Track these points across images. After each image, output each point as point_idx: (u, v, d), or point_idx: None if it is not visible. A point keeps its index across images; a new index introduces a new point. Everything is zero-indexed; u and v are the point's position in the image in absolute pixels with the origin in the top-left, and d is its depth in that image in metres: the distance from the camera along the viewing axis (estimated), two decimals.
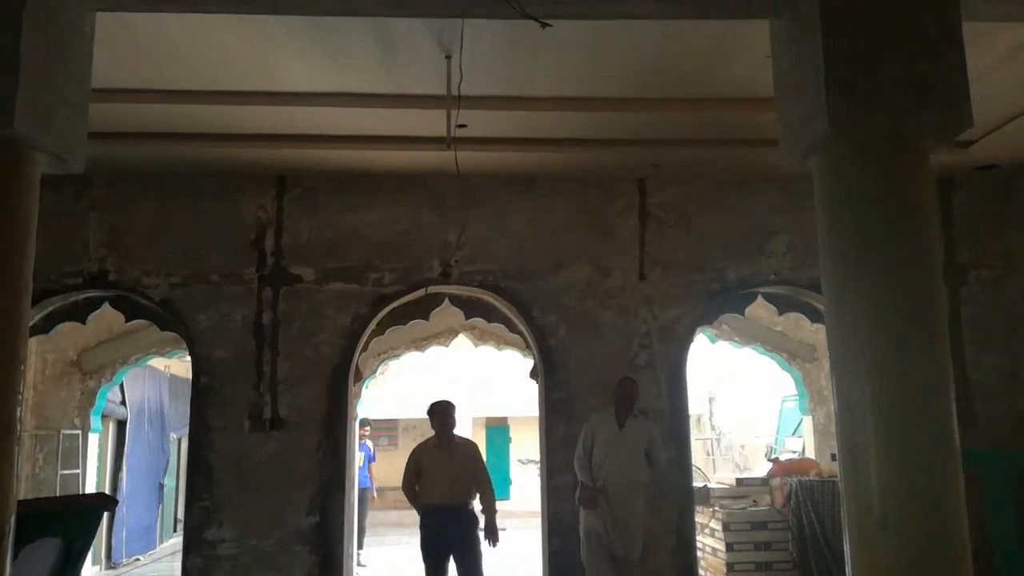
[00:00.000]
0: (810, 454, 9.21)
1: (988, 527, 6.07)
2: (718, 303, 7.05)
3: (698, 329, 7.25)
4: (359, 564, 9.94)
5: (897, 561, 2.67)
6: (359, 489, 10.66)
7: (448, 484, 6.09)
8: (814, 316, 7.37)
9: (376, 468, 11.97)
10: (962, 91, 3.03)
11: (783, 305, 7.48)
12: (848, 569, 2.84)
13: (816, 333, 8.64)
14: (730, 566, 7.24)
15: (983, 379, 6.80)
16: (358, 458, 10.77)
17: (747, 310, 7.44)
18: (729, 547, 7.28)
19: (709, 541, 7.63)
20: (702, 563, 7.44)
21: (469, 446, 6.43)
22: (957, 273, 7.02)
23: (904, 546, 2.67)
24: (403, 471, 6.22)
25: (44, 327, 6.91)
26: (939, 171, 5.83)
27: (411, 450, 6.35)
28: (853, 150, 3.02)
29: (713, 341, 9.40)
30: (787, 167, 3.41)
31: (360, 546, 10.29)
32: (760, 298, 7.35)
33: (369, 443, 11.44)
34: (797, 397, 9.76)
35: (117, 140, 5.81)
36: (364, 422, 11.21)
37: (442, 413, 6.24)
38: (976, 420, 6.59)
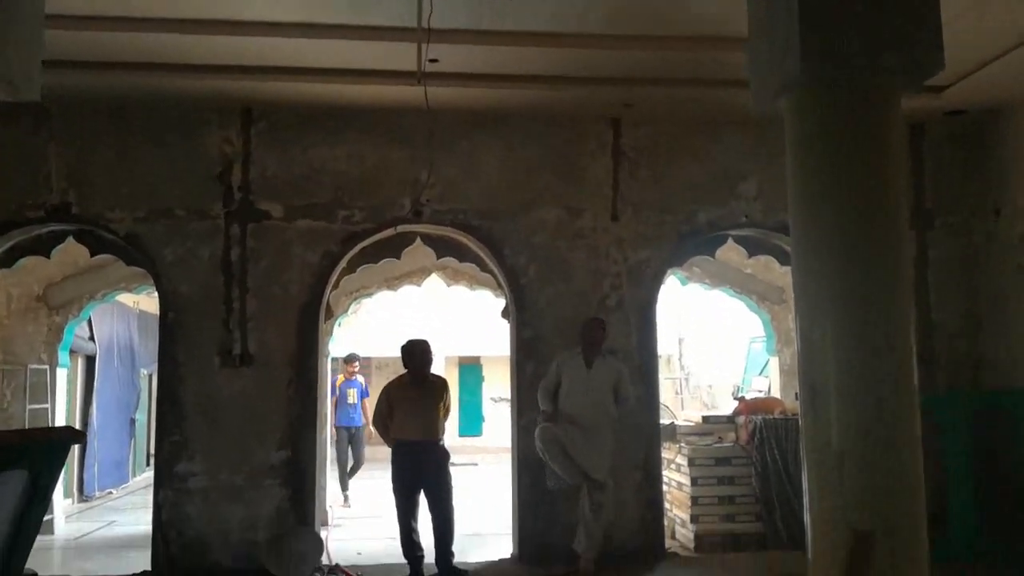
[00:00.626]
0: (776, 394, 9.40)
1: (944, 466, 6.27)
2: (689, 245, 7.09)
3: (668, 271, 7.31)
4: (345, 504, 9.93)
5: (853, 496, 2.76)
6: (353, 428, 10.54)
7: (419, 421, 6.18)
8: (784, 259, 7.44)
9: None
10: (935, 34, 3.02)
11: (753, 248, 7.54)
12: (806, 502, 2.93)
13: (785, 276, 8.72)
14: (695, 499, 7.43)
15: (945, 321, 6.96)
16: (349, 394, 10.67)
17: (718, 252, 7.49)
18: (694, 481, 7.45)
19: (675, 476, 7.82)
20: (667, 496, 7.63)
21: (440, 383, 6.50)
22: (924, 218, 7.12)
23: (860, 482, 2.76)
24: (374, 407, 6.30)
25: (6, 260, 6.79)
26: (909, 116, 5.87)
27: (383, 387, 6.42)
28: (824, 90, 3.01)
29: (684, 283, 9.47)
30: (755, 108, 3.40)
31: (345, 487, 10.21)
32: (731, 240, 7.40)
33: (361, 379, 11.02)
34: (765, 338, 9.91)
35: (75, 69, 5.63)
36: (353, 357, 10.93)
37: (416, 352, 6.28)
38: (938, 361, 6.76)
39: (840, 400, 2.78)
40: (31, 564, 4.24)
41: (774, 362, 9.82)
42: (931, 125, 7.10)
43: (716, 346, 15.29)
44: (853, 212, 2.93)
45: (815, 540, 2.88)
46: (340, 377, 10.86)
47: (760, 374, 11.13)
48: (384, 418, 6.26)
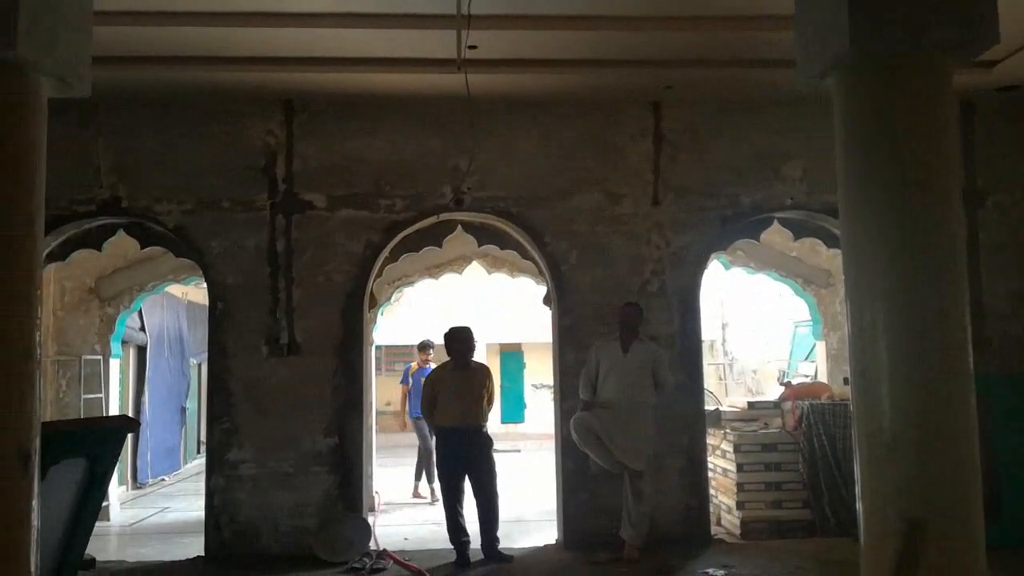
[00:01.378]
0: (822, 379, 9.26)
1: (996, 450, 6.12)
2: (732, 229, 7.00)
3: (712, 255, 7.23)
4: (432, 498, 9.18)
5: (906, 482, 2.70)
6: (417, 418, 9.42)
7: (463, 407, 6.24)
8: (830, 241, 7.31)
9: (394, 392, 11.61)
10: (988, 6, 2.92)
11: (798, 230, 7.41)
12: (857, 489, 2.88)
13: (832, 258, 8.58)
14: (740, 486, 7.36)
15: (997, 304, 6.77)
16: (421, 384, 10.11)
17: (762, 235, 7.37)
18: (739, 468, 7.38)
19: (720, 462, 7.75)
20: (713, 483, 7.58)
21: (483, 370, 6.54)
22: (975, 197, 6.91)
23: (913, 468, 2.71)
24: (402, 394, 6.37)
25: (60, 254, 6.97)
26: (959, 92, 5.69)
27: (427, 376, 6.50)
28: (872, 67, 2.94)
29: (727, 267, 9.36)
30: (801, 87, 3.33)
31: (429, 479, 9.37)
32: (775, 223, 7.28)
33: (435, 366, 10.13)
34: (811, 323, 9.76)
35: (121, 64, 5.74)
36: (427, 345, 9.78)
37: (460, 339, 6.35)
38: (990, 344, 6.59)
39: (892, 385, 2.73)
40: (89, 550, 4.38)
41: (820, 347, 9.66)
42: (982, 101, 6.89)
43: (761, 331, 15.09)
44: (904, 191, 2.86)
45: (867, 528, 2.83)
46: (414, 365, 10.06)
47: (806, 359, 10.97)
48: (429, 405, 6.33)
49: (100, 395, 8.99)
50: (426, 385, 6.42)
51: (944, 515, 2.66)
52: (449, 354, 6.41)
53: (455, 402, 6.26)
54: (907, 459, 2.69)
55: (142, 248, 7.25)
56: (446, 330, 6.48)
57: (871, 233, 2.86)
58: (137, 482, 10.96)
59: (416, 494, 9.65)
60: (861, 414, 2.84)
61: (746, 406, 8.07)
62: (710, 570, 5.75)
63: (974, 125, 6.97)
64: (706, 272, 7.04)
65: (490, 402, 6.43)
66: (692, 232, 6.81)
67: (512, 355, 21.25)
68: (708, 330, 11.00)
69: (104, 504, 7.81)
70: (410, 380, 9.95)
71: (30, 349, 2.72)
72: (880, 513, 2.73)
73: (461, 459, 6.24)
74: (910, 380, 2.72)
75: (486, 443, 6.35)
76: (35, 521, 2.69)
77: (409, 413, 9.95)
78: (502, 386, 19.31)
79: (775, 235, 7.75)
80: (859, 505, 2.87)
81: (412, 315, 16.46)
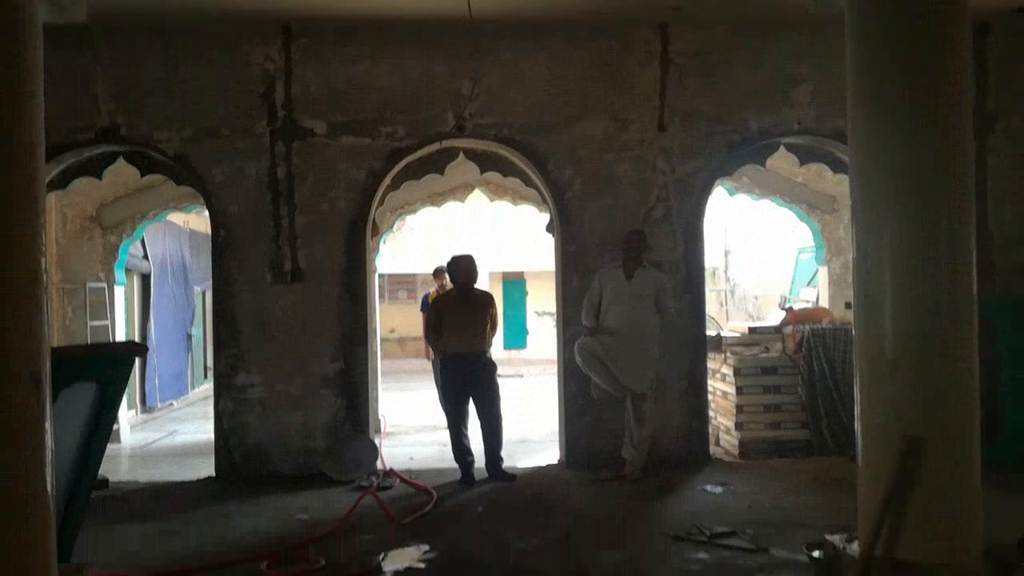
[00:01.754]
0: (824, 304, 9.31)
1: (998, 373, 6.19)
2: (739, 154, 6.93)
3: (717, 181, 7.18)
4: None
5: (905, 403, 2.75)
6: None
7: (467, 334, 6.32)
8: (836, 166, 7.24)
9: (398, 319, 11.77)
10: None
11: (805, 156, 7.34)
12: (857, 409, 2.94)
13: (837, 184, 8.51)
14: (739, 408, 7.49)
15: (1003, 229, 6.75)
16: None
17: (768, 161, 7.31)
18: (739, 390, 7.50)
19: (720, 385, 7.87)
20: (712, 405, 7.71)
21: (486, 297, 6.59)
22: (985, 121, 6.81)
23: (913, 389, 2.75)
24: (422, 320, 6.44)
25: (60, 182, 6.94)
26: (974, 13, 5.55)
27: (431, 303, 6.55)
28: None
29: (732, 193, 9.31)
30: (813, 9, 3.25)
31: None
32: (782, 149, 7.20)
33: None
34: (814, 248, 9.76)
35: None
36: (440, 270, 8.61)
37: (462, 267, 6.39)
38: (994, 269, 6.59)
39: (896, 308, 2.75)
40: (101, 471, 4.50)
41: (823, 272, 9.69)
42: (998, 22, 6.72)
43: (763, 258, 15.11)
44: (914, 114, 2.82)
45: (865, 447, 2.89)
46: (432, 292, 9.37)
47: (808, 284, 11.00)
48: (434, 331, 6.41)
49: (106, 322, 9.08)
50: (429, 312, 6.49)
51: (942, 434, 2.72)
52: (452, 282, 6.46)
53: (458, 329, 6.34)
54: (907, 380, 2.73)
55: (142, 176, 7.21)
56: (448, 259, 6.51)
57: (879, 156, 2.83)
58: (146, 406, 11.16)
59: None
60: (863, 336, 2.87)
61: (747, 331, 8.14)
62: (708, 487, 5.90)
63: (987, 47, 6.82)
64: (711, 198, 7.00)
65: (493, 328, 6.50)
66: (698, 158, 6.75)
67: (515, 283, 21.34)
68: (711, 257, 11.02)
69: (115, 427, 7.98)
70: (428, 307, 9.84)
71: (36, 272, 2.73)
72: (879, 432, 2.79)
73: (465, 383, 6.35)
74: (913, 303, 2.74)
75: (489, 368, 6.44)
76: (49, 442, 2.75)
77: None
78: (505, 313, 19.45)
79: (781, 161, 7.68)
80: (858, 425, 2.92)
81: (415, 244, 16.48)
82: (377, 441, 6.78)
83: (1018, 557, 2.79)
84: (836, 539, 3.05)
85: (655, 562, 4.30)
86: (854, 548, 2.90)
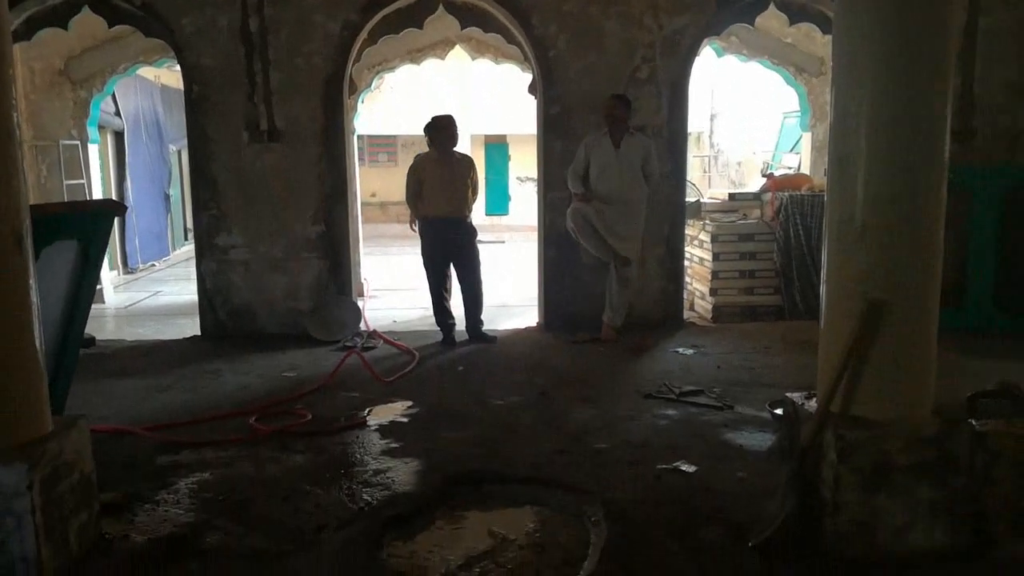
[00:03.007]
0: (806, 171, 9.33)
1: (969, 240, 6.31)
2: (728, 11, 6.70)
3: (705, 41, 6.98)
4: None
5: (871, 267, 2.81)
6: None
7: (447, 198, 6.28)
8: (827, 27, 7.06)
9: (378, 183, 11.74)
10: None
11: (796, 14, 7.13)
12: (823, 272, 3.02)
13: (826, 45, 8.30)
14: (715, 274, 7.65)
15: (988, 94, 6.65)
16: None
17: (757, 20, 7.09)
18: (716, 256, 7.64)
19: (697, 252, 7.99)
20: (689, 271, 7.86)
21: (467, 161, 6.52)
22: None
23: (879, 253, 2.80)
24: (404, 184, 6.39)
25: (24, 33, 6.64)
26: None
27: (410, 164, 6.48)
28: None
29: (720, 54, 9.09)
30: None
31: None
32: (772, 7, 6.97)
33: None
34: (799, 113, 9.66)
35: None
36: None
37: (443, 128, 6.27)
38: (974, 135, 6.57)
39: (869, 170, 2.76)
40: (87, 330, 4.56)
41: (806, 139, 9.64)
42: None
43: (748, 125, 14.93)
44: None
45: (828, 309, 2.98)
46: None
47: (791, 151, 10.97)
48: (413, 195, 6.36)
49: (82, 181, 8.95)
50: (409, 174, 6.41)
51: (903, 298, 2.80)
52: (431, 144, 6.35)
53: (440, 193, 6.29)
54: (875, 244, 2.78)
55: (110, 27, 6.89)
56: (428, 120, 6.38)
57: (863, 13, 2.77)
58: (128, 267, 11.21)
59: None
60: (835, 200, 2.90)
61: (727, 198, 8.19)
62: (680, 349, 6.11)
63: None
64: (697, 60, 6.84)
65: (474, 192, 6.47)
66: (687, 14, 6.54)
67: (497, 147, 21.04)
68: (696, 122, 10.89)
69: (98, 288, 8.03)
70: None
71: (9, 129, 2.68)
72: (843, 295, 2.88)
73: (445, 248, 6.39)
74: (885, 166, 2.75)
75: (470, 232, 6.47)
76: (34, 298, 2.79)
77: None
78: (486, 179, 19.30)
79: (771, 20, 7.46)
80: (823, 288, 3.01)
81: (394, 105, 16.08)
82: (360, 304, 6.89)
83: (966, 413, 2.96)
84: (796, 396, 3.20)
85: (625, 418, 4.51)
86: (812, 404, 3.05)
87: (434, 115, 6.40)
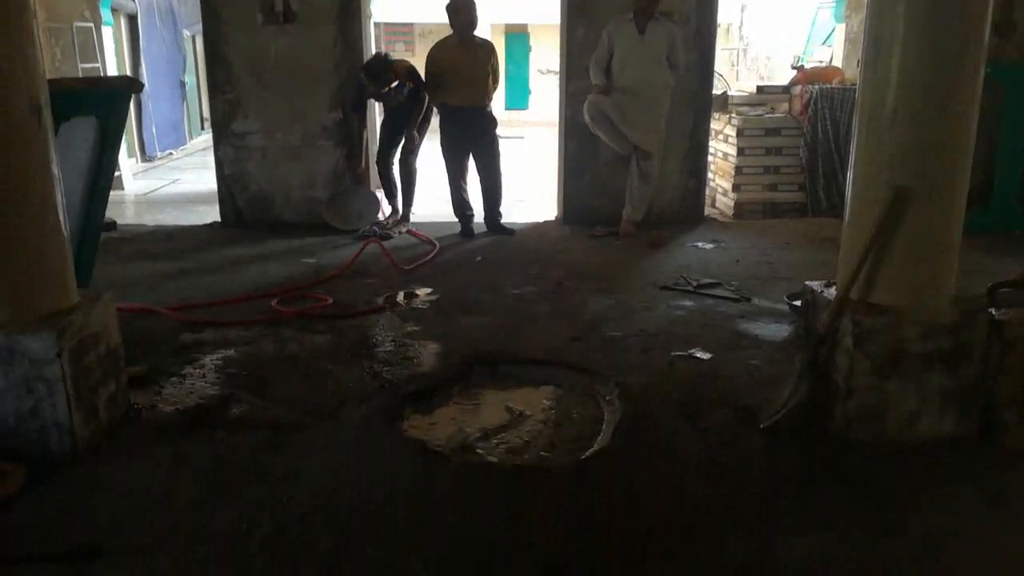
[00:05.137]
0: (837, 64, 9.01)
1: (999, 137, 6.14)
2: None
3: None
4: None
5: (900, 153, 2.75)
6: None
7: (467, 86, 6.16)
8: None
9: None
10: None
11: None
12: (851, 159, 2.95)
13: None
14: (739, 169, 7.51)
15: None
16: None
17: None
18: (740, 151, 7.47)
19: (722, 147, 7.83)
20: (712, 167, 7.73)
21: (487, 47, 6.34)
22: None
23: (909, 139, 2.74)
24: (424, 71, 6.25)
25: None
26: None
27: (429, 50, 6.32)
28: None
29: None
30: None
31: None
32: None
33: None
34: (833, 4, 9.25)
35: None
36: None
37: (461, 9, 6.07)
38: (1015, 29, 6.29)
39: (903, 54, 2.65)
40: (108, 215, 4.60)
41: (840, 31, 9.25)
42: None
43: (779, 17, 14.34)
44: None
45: (854, 197, 2.94)
46: None
47: (824, 43, 10.56)
48: (434, 78, 6.21)
49: (97, 64, 8.83)
50: (428, 61, 6.25)
51: (930, 186, 2.75)
52: (452, 27, 6.17)
53: (459, 80, 6.15)
54: (905, 130, 2.71)
55: None
56: (448, 2, 6.17)
57: None
58: (146, 155, 11.17)
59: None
60: (867, 83, 2.81)
61: (754, 90, 7.96)
62: (699, 244, 6.08)
63: None
64: None
65: (495, 81, 6.31)
66: None
67: (518, 37, 20.41)
68: (725, 12, 10.48)
69: (116, 174, 8.04)
70: None
71: None
72: (870, 182, 2.82)
73: (465, 138, 6.30)
74: (921, 50, 2.64)
75: (490, 122, 6.35)
76: (55, 172, 2.80)
77: None
78: (507, 71, 18.79)
79: None
80: (850, 175, 2.95)
81: None
82: (378, 193, 6.86)
83: (985, 303, 2.94)
84: (815, 284, 3.20)
85: (641, 308, 4.53)
86: (831, 293, 3.05)
87: None
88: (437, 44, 6.35)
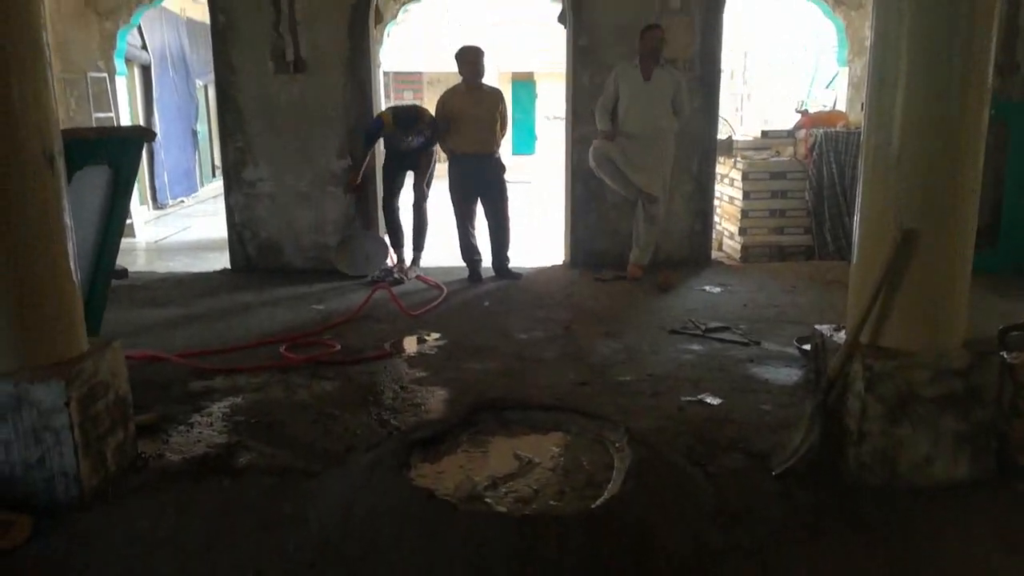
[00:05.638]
0: (841, 108, 9.09)
1: (1005, 177, 6.15)
2: None
3: None
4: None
5: (906, 194, 2.75)
6: None
7: (476, 132, 6.23)
8: None
9: None
10: None
11: None
12: (857, 201, 2.96)
13: None
14: (744, 212, 7.54)
15: None
16: None
17: None
18: (746, 195, 7.51)
19: (727, 190, 7.87)
20: (718, 210, 7.76)
21: (496, 94, 6.44)
22: None
23: (915, 180, 2.74)
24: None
25: None
26: None
27: (439, 98, 6.43)
28: None
29: None
30: None
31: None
32: None
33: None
34: (836, 48, 9.37)
35: None
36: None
37: (468, 59, 6.18)
38: (1018, 70, 6.35)
39: (908, 94, 2.68)
40: (120, 262, 4.63)
41: (843, 75, 9.37)
42: None
43: (782, 62, 14.55)
44: None
45: (862, 239, 2.94)
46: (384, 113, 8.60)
47: (827, 87, 10.69)
48: (444, 125, 6.30)
49: (111, 114, 8.98)
50: (438, 107, 6.35)
51: (938, 228, 2.75)
52: (460, 75, 6.28)
53: (468, 127, 6.24)
54: (911, 171, 2.72)
55: None
56: (457, 49, 6.29)
57: None
58: (157, 203, 11.30)
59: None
60: (872, 124, 2.83)
61: (759, 135, 8.03)
62: (707, 287, 6.07)
63: None
64: None
65: (504, 128, 6.39)
66: None
67: (524, 84, 20.72)
68: (729, 58, 10.62)
69: (128, 222, 8.12)
70: None
71: (39, 46, 2.69)
72: (877, 224, 2.82)
73: (474, 184, 6.35)
74: (926, 90, 2.66)
75: (499, 168, 6.42)
76: (67, 220, 2.82)
77: None
78: (513, 117, 18.99)
79: None
80: (857, 218, 2.96)
81: (419, 41, 15.85)
82: (386, 238, 6.91)
83: (997, 346, 2.92)
84: (824, 328, 3.18)
85: (649, 352, 4.52)
86: (840, 336, 3.03)
87: (463, 46, 6.32)
88: (447, 91, 6.46)
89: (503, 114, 6.38)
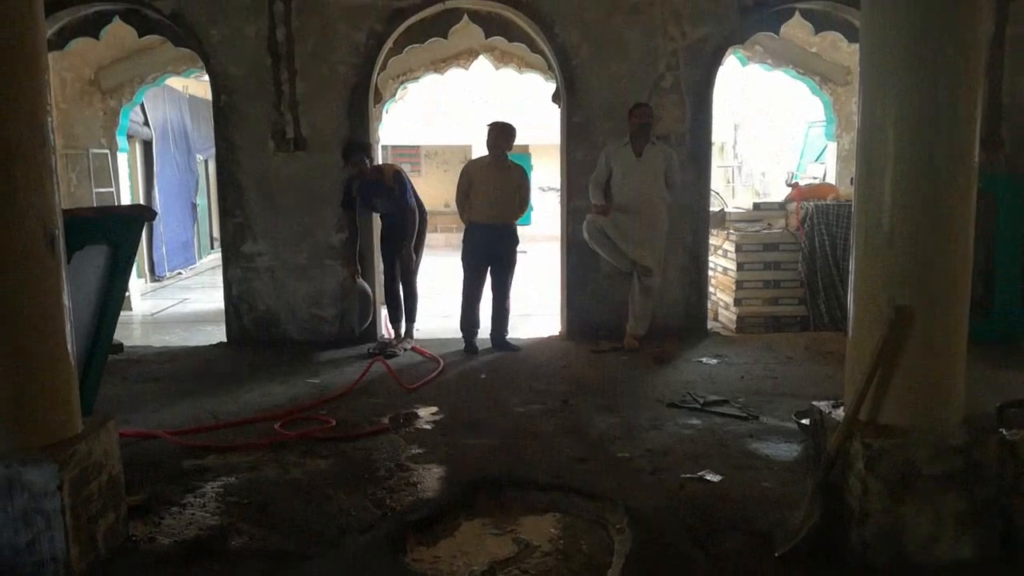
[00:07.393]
0: (831, 180, 9.25)
1: (994, 249, 6.23)
2: (752, 20, 6.69)
3: (729, 50, 6.97)
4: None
5: (899, 272, 2.79)
6: None
7: (497, 204, 6.30)
8: (852, 35, 7.01)
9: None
10: None
11: (821, 23, 7.09)
12: (851, 280, 2.99)
13: (852, 54, 8.26)
14: (739, 283, 7.59)
15: (1016, 103, 6.59)
16: None
17: (782, 29, 7.06)
18: (740, 266, 7.58)
19: (721, 261, 7.95)
20: (712, 281, 7.81)
21: (519, 170, 6.52)
22: None
23: (907, 259, 2.78)
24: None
25: (57, 43, 6.77)
26: None
27: (462, 167, 6.57)
28: None
29: (744, 63, 9.06)
30: None
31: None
32: (797, 15, 6.94)
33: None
34: (824, 123, 9.59)
35: None
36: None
37: (493, 133, 6.28)
38: (1003, 144, 6.49)
39: (896, 177, 2.74)
40: (116, 337, 4.62)
41: (831, 148, 9.56)
42: None
43: (772, 135, 14.84)
44: None
45: (856, 316, 2.96)
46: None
47: (816, 160, 10.89)
48: (463, 197, 6.38)
49: (111, 189, 9.08)
50: (461, 176, 6.45)
51: (932, 305, 2.77)
52: (490, 148, 6.36)
53: (489, 197, 6.29)
54: (903, 250, 2.76)
55: (140, 36, 7.01)
56: (490, 122, 6.40)
57: (890, 20, 2.75)
58: (155, 275, 11.34)
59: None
60: (862, 205, 2.88)
61: (751, 207, 8.14)
62: (704, 359, 6.07)
63: None
64: (721, 69, 6.82)
65: (523, 205, 6.45)
66: (710, 23, 6.53)
67: (519, 157, 21.00)
68: (719, 131, 10.85)
69: (125, 295, 8.13)
70: None
71: (44, 135, 2.74)
72: (871, 301, 2.85)
73: (489, 254, 6.39)
74: (913, 172, 2.73)
75: (513, 240, 6.48)
76: (66, 300, 2.84)
77: None
78: None
79: (796, 29, 7.44)
80: (850, 296, 2.98)
81: (416, 115, 16.16)
82: (383, 312, 6.93)
83: (995, 423, 2.91)
84: (822, 405, 3.17)
85: (648, 426, 4.48)
86: (839, 413, 3.02)
87: (497, 120, 6.44)
88: (471, 162, 6.63)
89: (523, 189, 6.45)
